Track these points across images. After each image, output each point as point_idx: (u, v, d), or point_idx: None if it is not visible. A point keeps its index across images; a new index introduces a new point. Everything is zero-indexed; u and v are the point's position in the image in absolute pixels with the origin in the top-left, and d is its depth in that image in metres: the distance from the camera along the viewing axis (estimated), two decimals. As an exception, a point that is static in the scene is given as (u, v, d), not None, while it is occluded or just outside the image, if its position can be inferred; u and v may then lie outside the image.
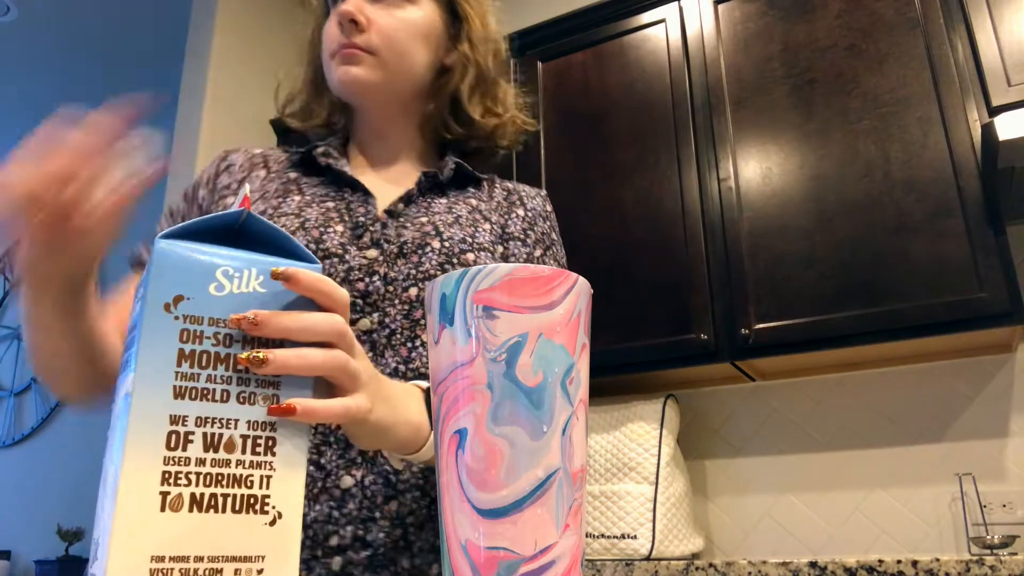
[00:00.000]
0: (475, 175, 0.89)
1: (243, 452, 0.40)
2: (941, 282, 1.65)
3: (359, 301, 0.75)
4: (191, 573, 0.37)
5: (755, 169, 1.93)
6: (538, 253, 0.87)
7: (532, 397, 0.35)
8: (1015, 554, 1.56)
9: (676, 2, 2.16)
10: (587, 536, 1.87)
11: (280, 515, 0.40)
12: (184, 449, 0.39)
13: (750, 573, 1.73)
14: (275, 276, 0.42)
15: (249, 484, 0.40)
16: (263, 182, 0.86)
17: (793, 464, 2.04)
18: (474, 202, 0.86)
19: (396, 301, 0.75)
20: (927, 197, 1.71)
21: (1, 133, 4.02)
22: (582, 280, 0.38)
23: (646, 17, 2.20)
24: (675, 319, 1.91)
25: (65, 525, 3.18)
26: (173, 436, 0.39)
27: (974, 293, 1.61)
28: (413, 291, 0.75)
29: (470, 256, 0.78)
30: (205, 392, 0.40)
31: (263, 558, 0.39)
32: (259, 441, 0.41)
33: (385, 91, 0.85)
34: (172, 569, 0.37)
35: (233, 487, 0.40)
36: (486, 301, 0.35)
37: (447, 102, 0.89)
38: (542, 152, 2.24)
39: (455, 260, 0.77)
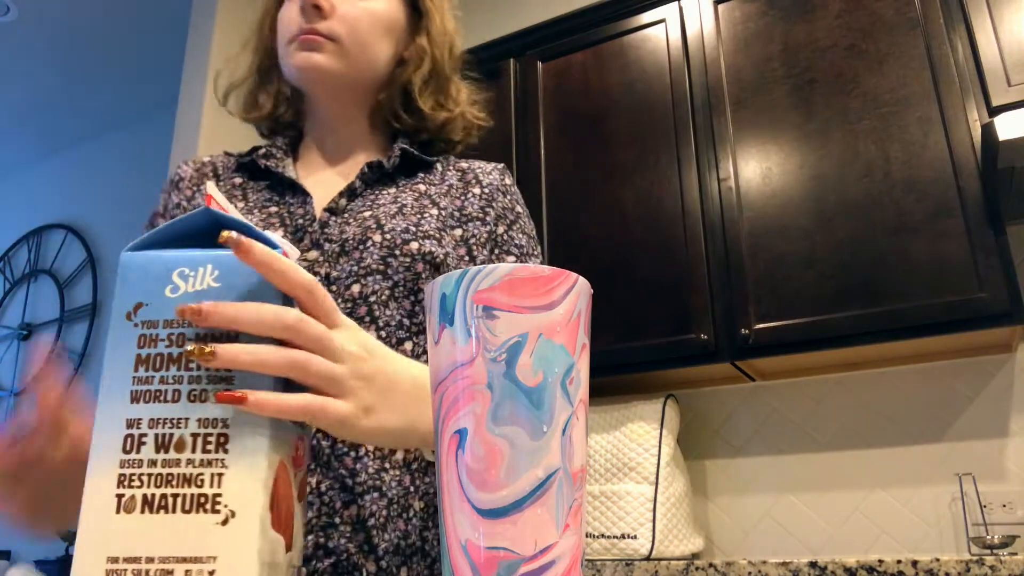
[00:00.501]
0: (424, 159, 0.86)
1: (193, 451, 0.40)
2: (941, 282, 1.65)
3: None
4: (143, 574, 0.38)
5: (755, 169, 1.93)
6: (501, 230, 0.84)
7: (532, 397, 0.35)
8: (1015, 554, 1.56)
9: (676, 2, 2.16)
10: (587, 536, 1.87)
11: (233, 514, 0.39)
12: (138, 451, 0.39)
13: (750, 573, 1.73)
14: (223, 240, 0.40)
15: (200, 483, 0.39)
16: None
17: (793, 464, 2.04)
18: (423, 187, 0.83)
19: (339, 300, 0.73)
20: (927, 197, 1.71)
21: (1, 133, 4.02)
22: (582, 280, 0.38)
23: (646, 17, 2.20)
24: (675, 319, 1.91)
25: (65, 525, 3.18)
26: (128, 439, 0.39)
27: (974, 293, 1.61)
28: (356, 288, 0.73)
29: (414, 245, 0.76)
30: (158, 394, 0.40)
31: (215, 559, 0.39)
32: (210, 439, 0.40)
33: (344, 81, 0.83)
34: (125, 570, 0.37)
35: (183, 487, 0.39)
36: (486, 301, 0.35)
37: (398, 93, 0.88)
38: (542, 152, 2.24)
39: (397, 252, 0.75)
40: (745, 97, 1.99)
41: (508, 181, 0.89)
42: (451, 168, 0.88)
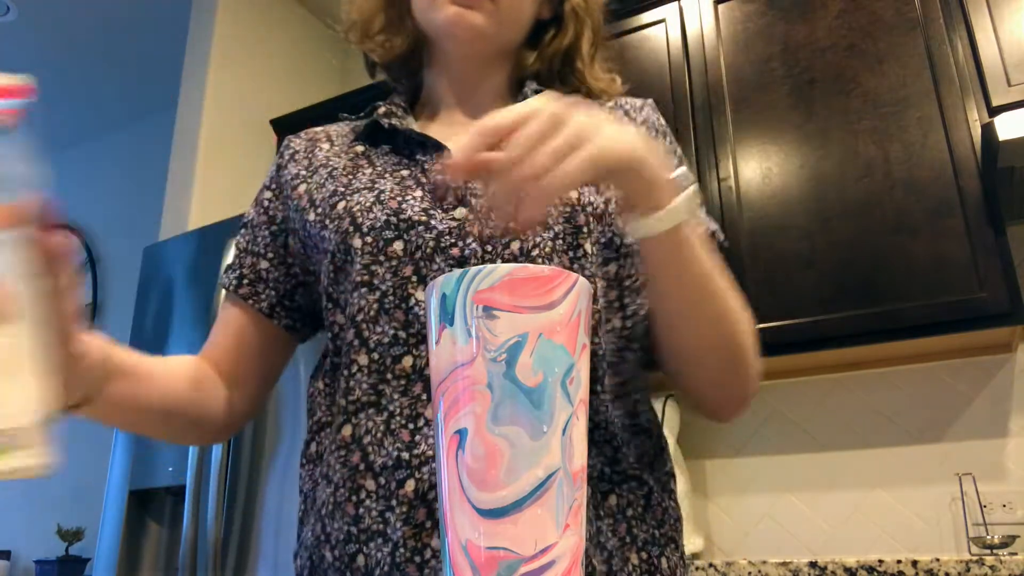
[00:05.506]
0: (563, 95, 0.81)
1: None
2: (941, 282, 1.65)
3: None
4: None
5: (755, 169, 1.93)
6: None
7: (532, 397, 0.35)
8: (1015, 554, 1.56)
9: (676, 2, 2.16)
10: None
11: None
12: None
13: (750, 573, 1.73)
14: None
15: None
16: (326, 154, 0.79)
17: (793, 464, 2.04)
18: None
19: (498, 259, 0.66)
20: (927, 197, 1.71)
21: (1, 133, 4.02)
22: (582, 280, 0.38)
23: (646, 17, 2.20)
24: (675, 319, 1.91)
25: (65, 525, 3.18)
26: None
27: (974, 293, 1.61)
28: (515, 245, 0.66)
29: (572, 194, 0.68)
30: None
31: None
32: None
33: (492, 44, 0.77)
34: None
35: None
36: (486, 301, 0.35)
37: (558, 60, 0.81)
38: (542, 152, 2.23)
39: (556, 200, 0.67)
40: (745, 97, 1.99)
41: (662, 120, 0.80)
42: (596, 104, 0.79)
